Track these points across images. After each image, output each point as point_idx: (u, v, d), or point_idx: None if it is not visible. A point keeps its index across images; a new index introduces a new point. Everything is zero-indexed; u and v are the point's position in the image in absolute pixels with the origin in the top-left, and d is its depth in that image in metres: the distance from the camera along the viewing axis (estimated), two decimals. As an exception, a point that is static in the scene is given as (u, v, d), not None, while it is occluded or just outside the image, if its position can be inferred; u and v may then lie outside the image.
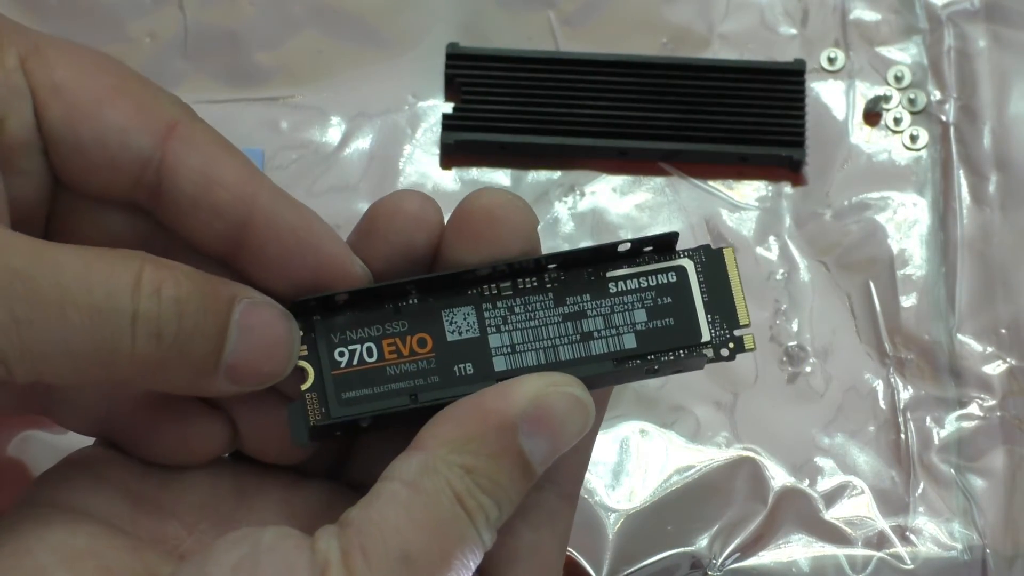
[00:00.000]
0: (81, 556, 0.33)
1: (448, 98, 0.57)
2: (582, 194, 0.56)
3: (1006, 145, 0.57)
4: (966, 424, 0.54)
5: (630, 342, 0.36)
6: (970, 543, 0.52)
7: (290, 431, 0.35)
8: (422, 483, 0.33)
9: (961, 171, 0.57)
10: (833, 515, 0.53)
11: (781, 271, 0.56)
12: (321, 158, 0.56)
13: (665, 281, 0.36)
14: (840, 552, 0.52)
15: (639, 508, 0.52)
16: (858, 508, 0.53)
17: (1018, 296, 0.55)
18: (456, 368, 0.35)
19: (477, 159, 0.57)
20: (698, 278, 0.36)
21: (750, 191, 0.56)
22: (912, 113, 0.57)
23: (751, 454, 0.53)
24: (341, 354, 0.35)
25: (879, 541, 0.52)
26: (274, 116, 0.57)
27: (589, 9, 0.58)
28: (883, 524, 0.52)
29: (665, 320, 0.36)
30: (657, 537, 0.52)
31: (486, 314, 0.36)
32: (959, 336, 0.55)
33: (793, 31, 0.58)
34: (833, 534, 0.52)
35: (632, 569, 0.52)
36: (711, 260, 0.36)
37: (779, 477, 0.53)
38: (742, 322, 0.36)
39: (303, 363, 0.35)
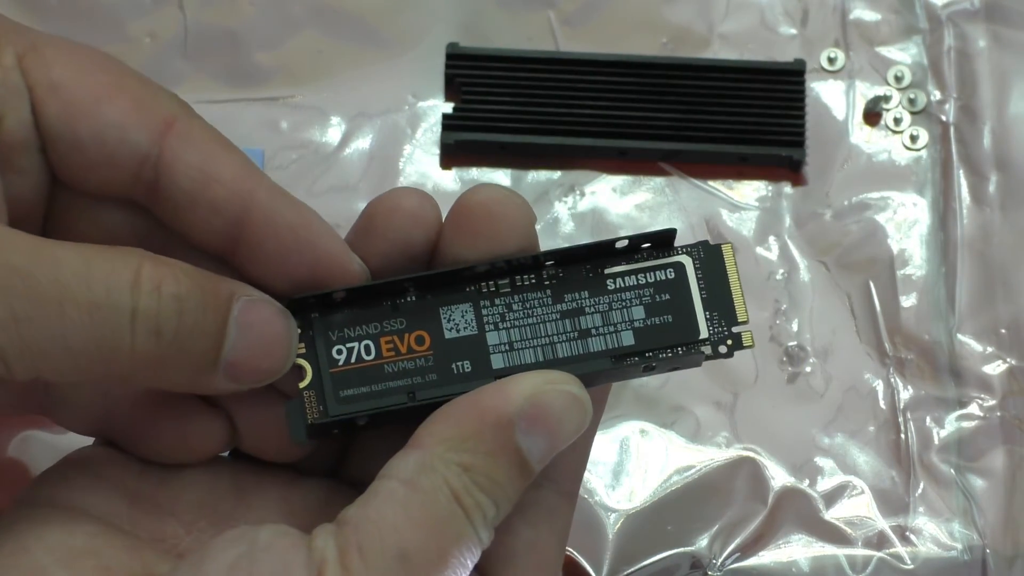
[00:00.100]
0: (79, 555, 0.33)
1: (448, 98, 0.57)
2: (582, 194, 0.56)
3: (1006, 145, 0.57)
4: (966, 424, 0.54)
5: (628, 339, 0.36)
6: (970, 543, 0.52)
7: (288, 429, 0.35)
8: (419, 481, 0.33)
9: (961, 171, 0.57)
10: (833, 515, 0.53)
11: (781, 271, 0.56)
12: (321, 158, 0.56)
13: (663, 278, 0.36)
14: (840, 552, 0.52)
15: (639, 508, 0.52)
16: (858, 508, 0.53)
17: (1018, 296, 0.55)
18: (454, 366, 0.35)
19: (477, 159, 0.57)
20: (696, 274, 0.36)
21: (750, 191, 0.56)
22: (912, 113, 0.57)
23: (751, 454, 0.53)
24: (339, 352, 0.35)
25: (879, 541, 0.52)
26: (274, 116, 0.56)
27: (589, 9, 0.58)
28: (883, 524, 0.52)
29: (663, 317, 0.36)
30: (657, 537, 0.52)
31: (484, 311, 0.36)
32: (959, 336, 0.55)
33: (793, 31, 0.58)
34: (833, 534, 0.52)
35: (632, 569, 0.52)
36: (709, 256, 0.36)
37: (779, 477, 0.53)
38: (740, 319, 0.36)
39: (301, 361, 0.35)
